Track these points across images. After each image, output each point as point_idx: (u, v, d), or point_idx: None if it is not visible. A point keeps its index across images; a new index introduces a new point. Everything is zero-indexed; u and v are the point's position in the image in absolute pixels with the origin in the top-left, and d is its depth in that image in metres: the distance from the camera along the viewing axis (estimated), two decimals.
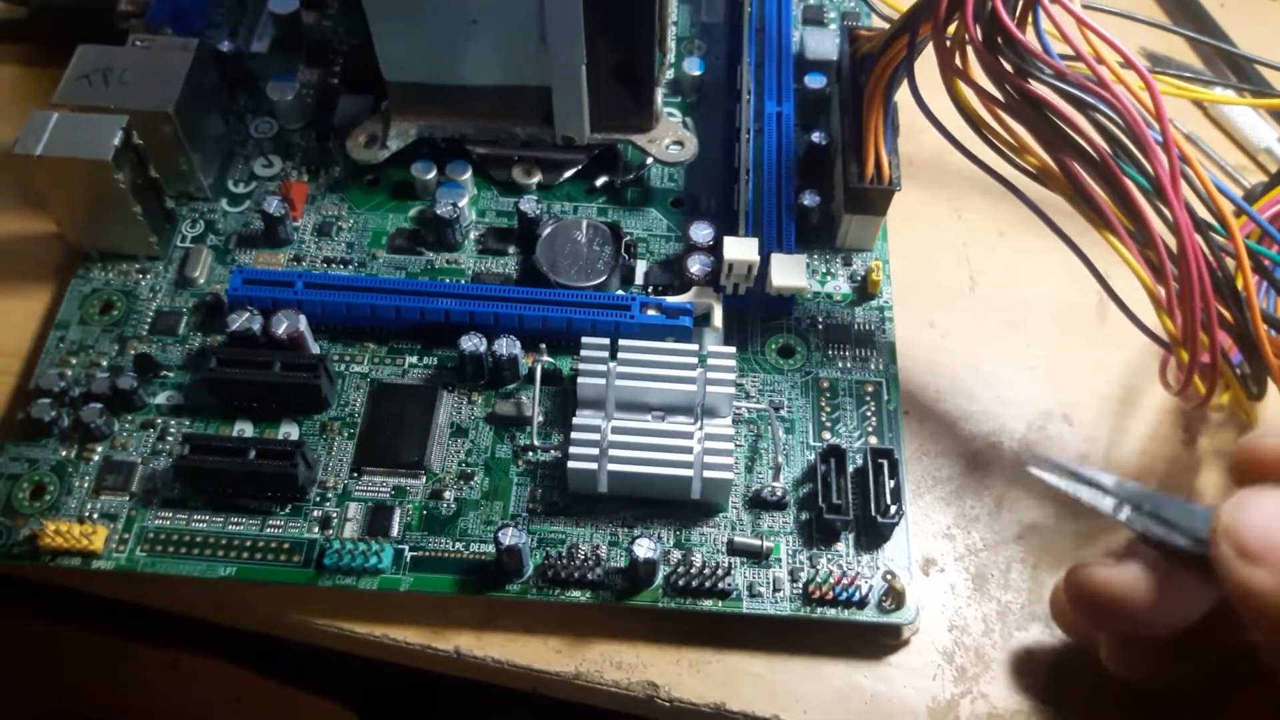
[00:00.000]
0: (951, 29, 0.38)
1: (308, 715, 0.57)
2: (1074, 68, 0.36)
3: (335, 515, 0.41)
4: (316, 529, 0.41)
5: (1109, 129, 0.36)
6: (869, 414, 0.44)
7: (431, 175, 0.49)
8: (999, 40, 0.37)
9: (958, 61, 0.39)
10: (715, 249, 0.46)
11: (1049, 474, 0.34)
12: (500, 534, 0.38)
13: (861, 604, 0.40)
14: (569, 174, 0.50)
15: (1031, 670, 0.40)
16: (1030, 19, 0.36)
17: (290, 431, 0.43)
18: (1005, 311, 0.49)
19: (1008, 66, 0.37)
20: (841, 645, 0.41)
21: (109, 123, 0.43)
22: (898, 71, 0.43)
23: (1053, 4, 0.35)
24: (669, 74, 0.52)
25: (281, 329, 0.43)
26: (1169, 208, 0.35)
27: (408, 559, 0.40)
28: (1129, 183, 0.36)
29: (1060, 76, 0.36)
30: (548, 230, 0.47)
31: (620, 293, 0.46)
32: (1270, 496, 0.27)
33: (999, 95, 0.38)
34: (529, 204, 0.47)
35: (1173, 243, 0.36)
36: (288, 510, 0.41)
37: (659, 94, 0.47)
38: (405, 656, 0.41)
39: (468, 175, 0.49)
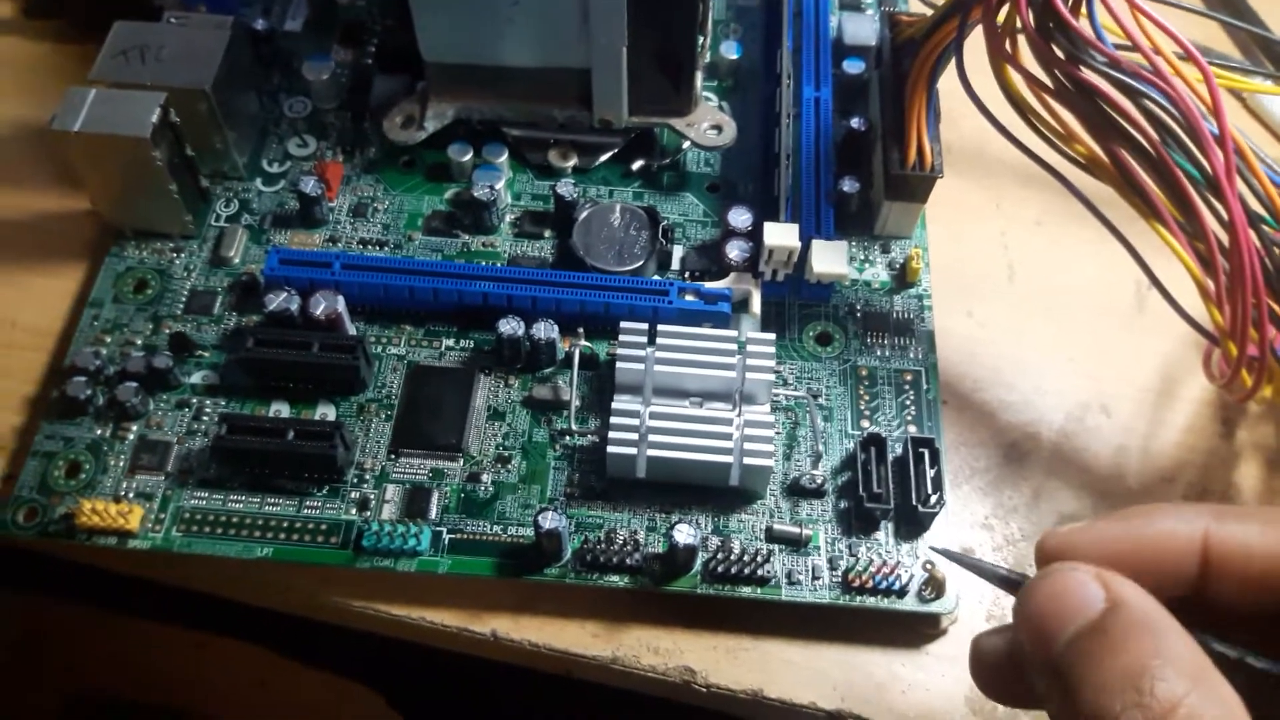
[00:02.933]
0: (1002, 14, 0.38)
1: (336, 699, 0.57)
2: (1127, 56, 0.35)
3: (373, 497, 0.41)
4: (354, 510, 0.41)
5: (1161, 118, 0.36)
6: (908, 403, 0.44)
7: (468, 157, 0.48)
8: (1052, 26, 0.36)
9: (1008, 47, 0.38)
10: (754, 235, 0.45)
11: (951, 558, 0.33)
12: (540, 518, 0.38)
13: (901, 593, 0.40)
14: (605, 157, 0.49)
15: None
16: (1084, 7, 0.36)
17: (326, 412, 0.43)
18: (1044, 301, 0.48)
19: (1060, 53, 0.36)
20: (879, 634, 0.41)
21: (147, 100, 0.43)
22: (943, 56, 0.43)
23: None
24: (705, 57, 0.52)
25: (320, 310, 0.43)
26: (1224, 202, 0.35)
27: (445, 541, 0.40)
28: (1181, 174, 0.36)
29: (1114, 64, 0.35)
30: (584, 214, 0.47)
31: (657, 278, 0.46)
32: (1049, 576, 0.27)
33: (1049, 82, 0.38)
34: (565, 187, 0.47)
35: (1223, 234, 0.36)
36: (325, 491, 0.41)
37: (699, 78, 0.47)
38: (442, 639, 0.41)
39: (504, 158, 0.49)
